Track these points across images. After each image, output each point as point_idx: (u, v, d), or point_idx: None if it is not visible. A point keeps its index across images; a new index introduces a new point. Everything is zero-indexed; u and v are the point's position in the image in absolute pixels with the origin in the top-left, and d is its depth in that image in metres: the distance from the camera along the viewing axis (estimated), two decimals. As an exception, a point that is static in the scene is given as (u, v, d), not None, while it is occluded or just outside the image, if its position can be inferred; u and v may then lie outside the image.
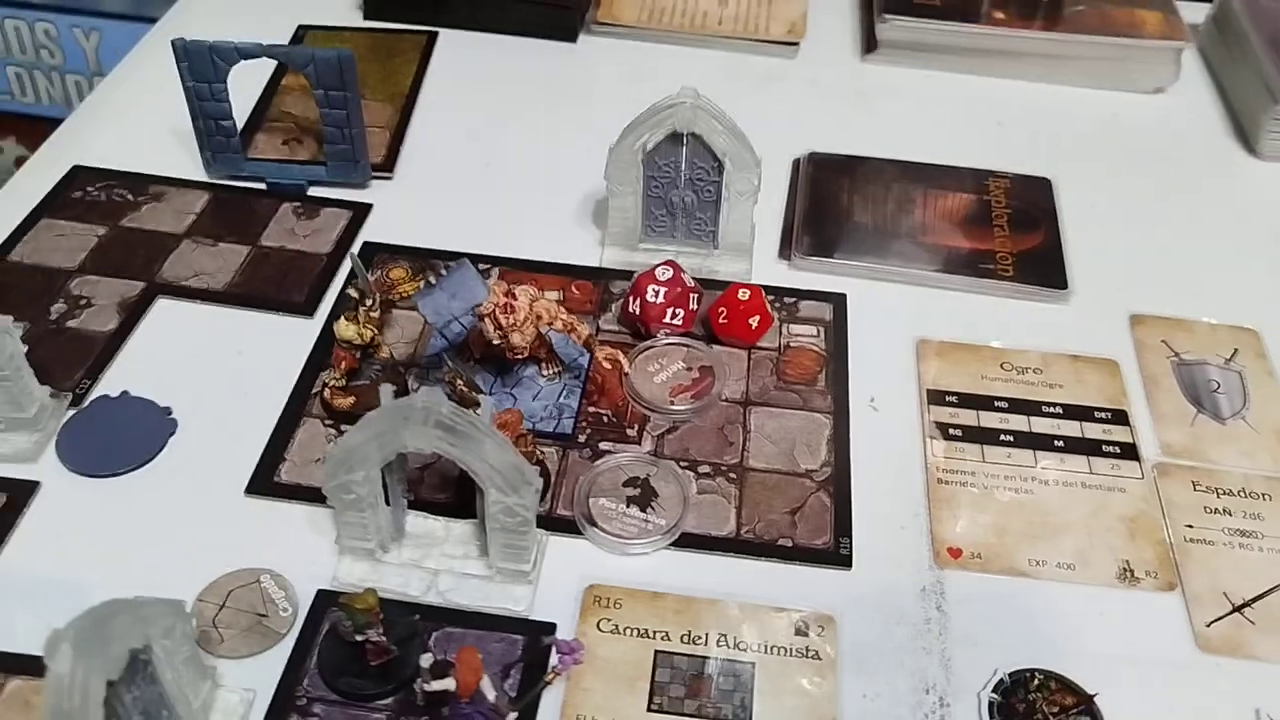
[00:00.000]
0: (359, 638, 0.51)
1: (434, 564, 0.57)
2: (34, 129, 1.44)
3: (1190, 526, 0.61)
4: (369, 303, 0.61)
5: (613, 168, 0.72)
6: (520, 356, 0.63)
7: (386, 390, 0.52)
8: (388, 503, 0.55)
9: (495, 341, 0.62)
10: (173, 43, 0.74)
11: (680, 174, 0.72)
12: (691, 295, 0.68)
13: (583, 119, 0.89)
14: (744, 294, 0.68)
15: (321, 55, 0.73)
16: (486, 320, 0.61)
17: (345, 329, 0.60)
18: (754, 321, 0.68)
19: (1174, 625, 0.57)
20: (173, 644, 0.45)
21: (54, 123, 1.43)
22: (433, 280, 0.59)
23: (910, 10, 0.94)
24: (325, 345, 0.68)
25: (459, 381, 0.58)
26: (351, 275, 0.61)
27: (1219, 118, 0.92)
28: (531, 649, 0.54)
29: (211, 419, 0.64)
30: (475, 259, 0.74)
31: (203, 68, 0.74)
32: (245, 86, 0.78)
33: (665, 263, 0.69)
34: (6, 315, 0.59)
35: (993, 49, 0.94)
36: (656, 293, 0.68)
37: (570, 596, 0.56)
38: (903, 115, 0.91)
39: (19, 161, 1.47)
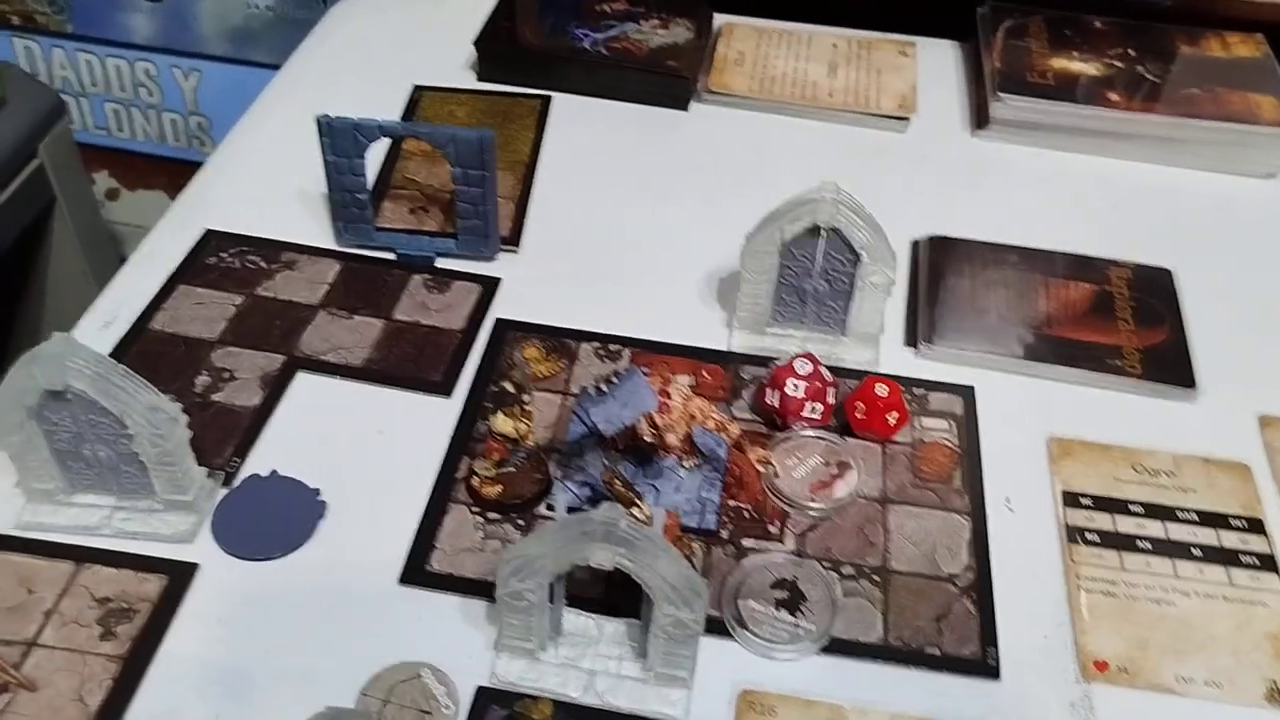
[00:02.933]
0: (531, 746, 0.52)
1: (589, 664, 0.57)
2: (127, 163, 1.46)
3: (1336, 646, 0.61)
4: (526, 398, 0.62)
5: (748, 257, 0.72)
6: (672, 453, 0.64)
7: (561, 501, 0.52)
8: (550, 601, 0.56)
9: (649, 439, 0.62)
10: (317, 119, 0.75)
11: (815, 264, 0.72)
12: (830, 389, 0.69)
13: (698, 189, 0.90)
14: (882, 390, 0.69)
15: (462, 135, 0.74)
16: (642, 419, 0.62)
17: (503, 424, 0.61)
18: (892, 418, 0.69)
19: (1325, 750, 0.57)
20: (365, 756, 0.46)
21: (146, 158, 1.46)
22: (602, 387, 0.60)
23: (1025, 89, 0.95)
24: (466, 427, 0.69)
25: (617, 482, 0.59)
26: (509, 368, 0.62)
27: (1333, 205, 0.92)
28: (692, 757, 0.54)
29: (359, 502, 0.65)
30: (605, 339, 0.76)
31: (345, 144, 0.76)
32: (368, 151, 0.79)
33: (803, 356, 0.69)
34: (174, 400, 0.60)
35: (1106, 130, 0.94)
36: (796, 387, 0.68)
37: (723, 700, 0.57)
38: (1015, 194, 0.92)
39: (110, 194, 1.50)
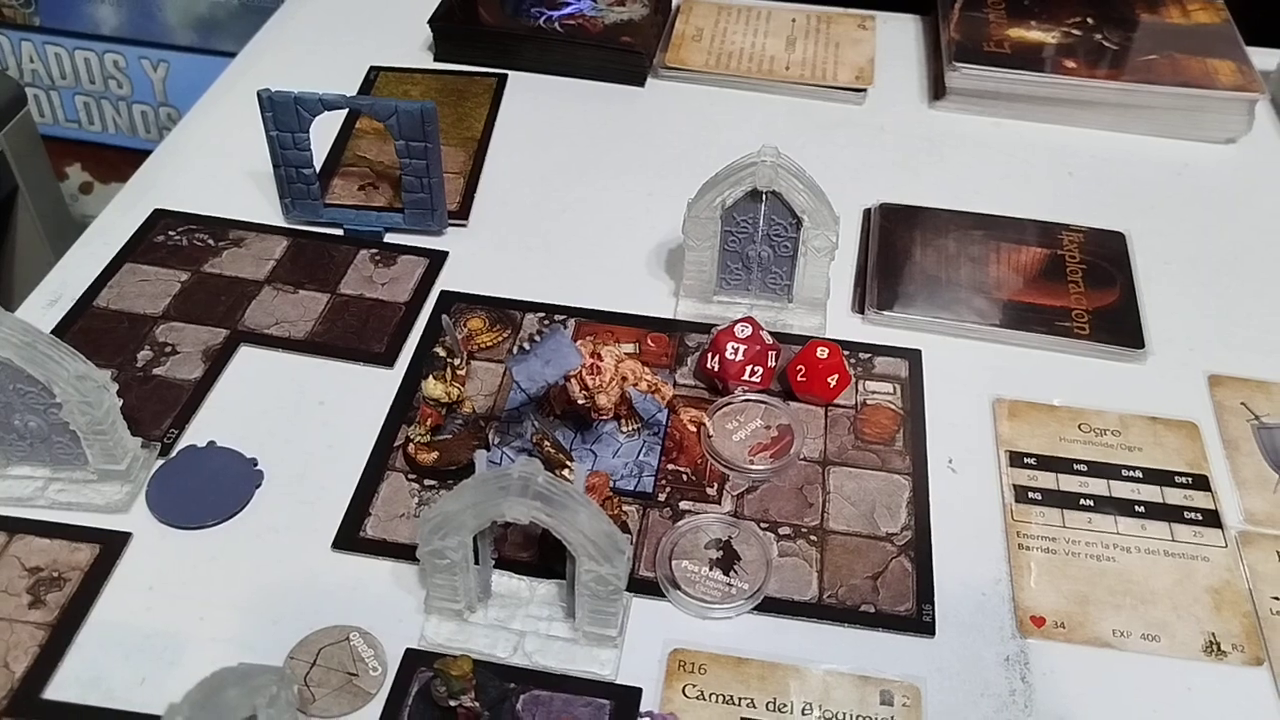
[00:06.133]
0: (452, 703, 0.51)
1: (519, 625, 0.57)
2: (100, 156, 1.47)
3: (1277, 599, 0.60)
4: (457, 362, 0.61)
5: (690, 223, 0.72)
6: (605, 417, 0.63)
7: (481, 457, 0.52)
8: (476, 562, 0.56)
9: (581, 401, 0.62)
10: (259, 94, 0.75)
11: (758, 230, 0.72)
12: (770, 353, 0.69)
13: (651, 164, 0.90)
14: (822, 352, 0.68)
15: (404, 107, 0.74)
16: (573, 380, 0.61)
17: (433, 388, 0.61)
18: (833, 380, 0.68)
19: (1262, 703, 0.56)
20: (276, 712, 0.46)
21: (119, 151, 1.46)
22: (525, 345, 0.60)
23: (981, 58, 0.94)
24: (406, 397, 0.69)
25: (546, 443, 0.58)
26: (441, 334, 0.62)
27: (1292, 169, 0.92)
28: (619, 715, 0.54)
29: (296, 471, 0.65)
30: (551, 309, 0.75)
31: (287, 118, 0.76)
32: (320, 129, 0.79)
33: (744, 319, 0.69)
34: (105, 370, 0.60)
35: (1063, 98, 0.93)
36: (736, 350, 0.68)
37: (654, 660, 0.57)
38: (972, 163, 0.91)
39: (84, 187, 1.50)
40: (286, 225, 0.82)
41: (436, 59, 1.00)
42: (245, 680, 0.45)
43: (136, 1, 1.31)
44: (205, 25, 1.31)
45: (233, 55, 1.04)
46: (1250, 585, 0.61)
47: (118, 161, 1.46)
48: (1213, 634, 0.59)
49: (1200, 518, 0.64)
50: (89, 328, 0.73)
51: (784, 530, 0.62)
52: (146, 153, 0.92)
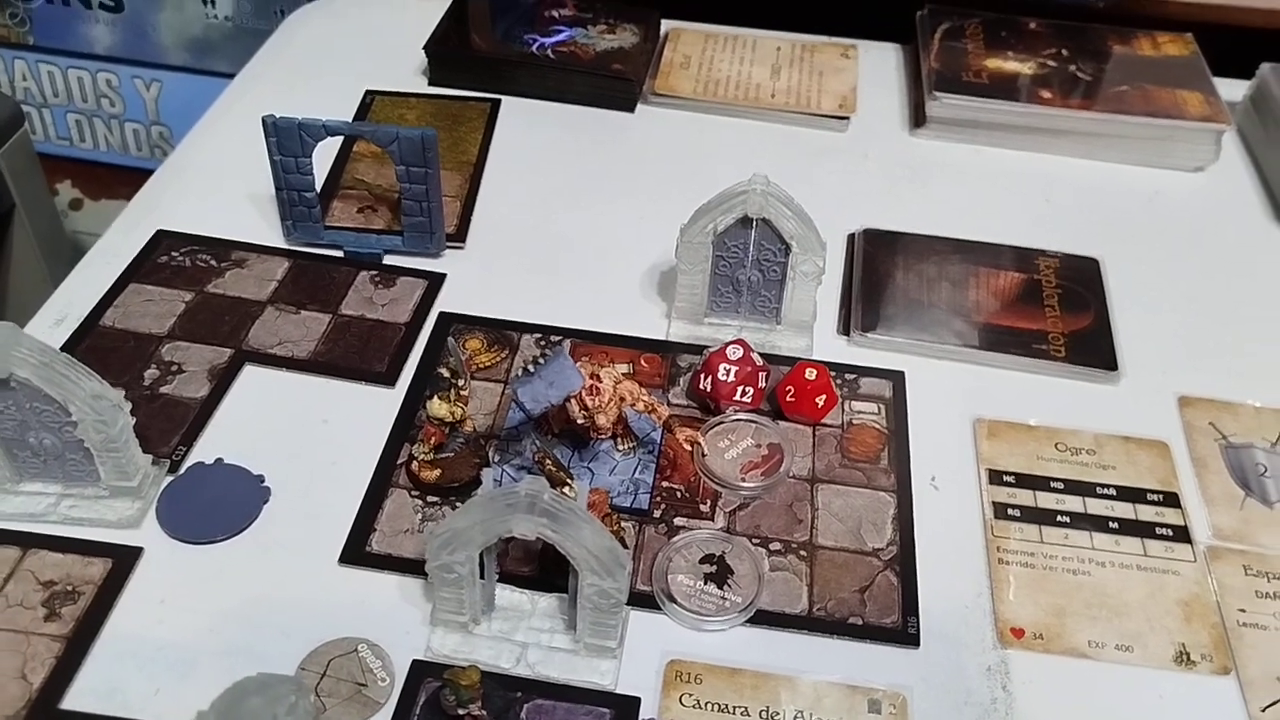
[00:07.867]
0: (460, 712, 0.53)
1: (522, 637, 0.59)
2: (91, 174, 1.48)
3: (1243, 610, 0.63)
4: (461, 382, 0.64)
5: (683, 248, 0.75)
6: (603, 436, 0.66)
7: (488, 476, 0.54)
8: (481, 577, 0.58)
9: (580, 421, 0.65)
10: (263, 119, 0.77)
11: (748, 254, 0.75)
12: (761, 374, 0.71)
13: (641, 188, 0.92)
14: (811, 374, 0.71)
15: (405, 134, 0.76)
16: (573, 401, 0.64)
17: (438, 408, 0.63)
18: (820, 400, 0.71)
19: (1229, 710, 0.59)
20: (295, 719, 0.48)
21: (110, 168, 1.47)
22: (529, 368, 0.62)
23: (960, 88, 0.97)
24: (408, 415, 0.71)
25: (548, 462, 0.61)
26: (444, 354, 0.64)
27: (1258, 197, 0.95)
28: (619, 723, 0.56)
29: (302, 487, 0.67)
30: (547, 330, 0.78)
31: (290, 143, 0.78)
32: (318, 152, 0.80)
33: (735, 341, 0.72)
34: (119, 389, 0.62)
35: (1039, 127, 0.97)
36: (728, 371, 0.70)
37: (651, 670, 0.59)
38: (951, 190, 0.94)
39: (74, 204, 1.51)
40: (287, 246, 0.84)
41: (431, 83, 1.02)
42: (265, 689, 0.47)
43: (130, 22, 1.33)
44: (199, 46, 1.33)
45: (225, 75, 1.06)
46: (1218, 598, 0.64)
47: (109, 179, 1.47)
48: (1183, 644, 0.62)
49: (1171, 533, 0.67)
50: (95, 347, 0.75)
51: (775, 546, 0.65)
52: (138, 170, 0.94)
